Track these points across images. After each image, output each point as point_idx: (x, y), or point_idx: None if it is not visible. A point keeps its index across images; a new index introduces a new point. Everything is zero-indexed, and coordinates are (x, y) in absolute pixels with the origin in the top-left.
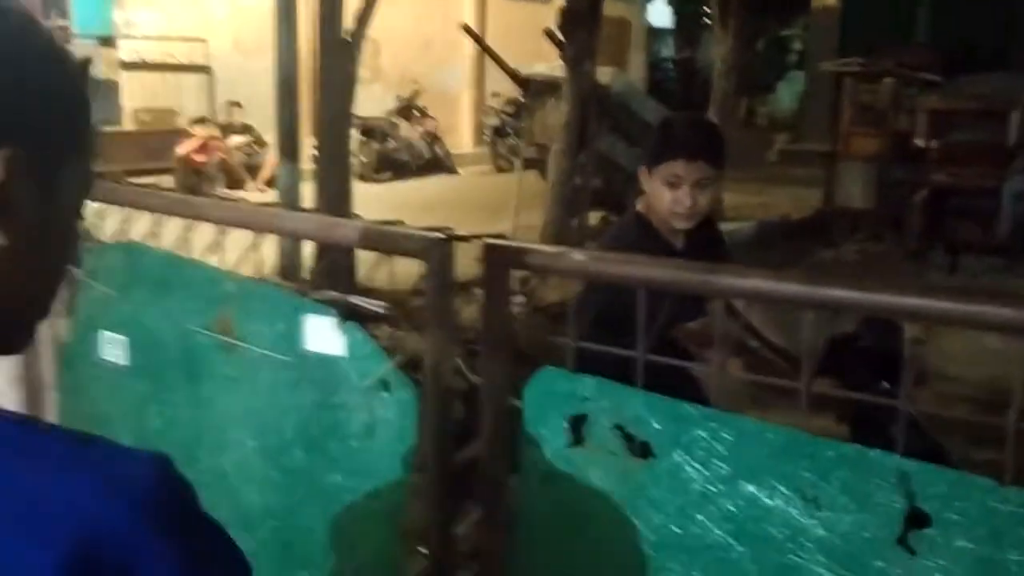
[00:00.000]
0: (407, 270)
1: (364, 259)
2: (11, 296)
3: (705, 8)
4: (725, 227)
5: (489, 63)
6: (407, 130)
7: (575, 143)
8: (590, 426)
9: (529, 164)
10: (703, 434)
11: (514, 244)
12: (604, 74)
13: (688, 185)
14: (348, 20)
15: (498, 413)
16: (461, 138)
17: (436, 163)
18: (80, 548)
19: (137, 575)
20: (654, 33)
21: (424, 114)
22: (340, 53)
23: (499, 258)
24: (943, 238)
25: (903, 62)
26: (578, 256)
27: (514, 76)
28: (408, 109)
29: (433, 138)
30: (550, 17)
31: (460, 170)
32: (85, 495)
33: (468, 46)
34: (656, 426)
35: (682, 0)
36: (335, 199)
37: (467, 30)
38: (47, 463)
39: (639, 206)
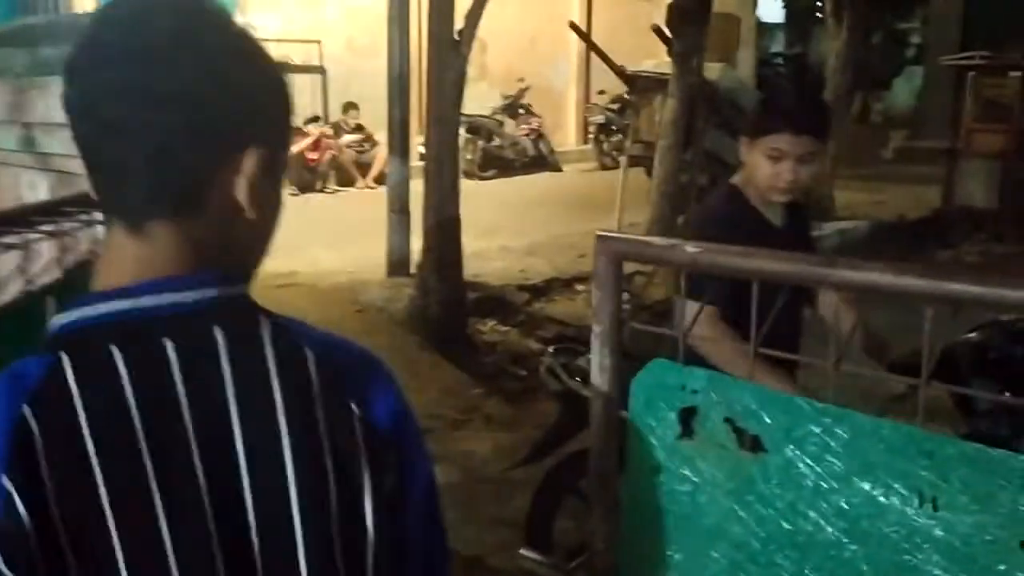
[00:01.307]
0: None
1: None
2: (251, 253)
3: (818, 3)
4: (838, 225)
5: (595, 60)
6: (512, 128)
7: (681, 140)
8: (700, 419)
9: (634, 161)
10: (816, 430)
11: (626, 235)
12: (712, 70)
13: (791, 159)
14: (458, 19)
15: (608, 407)
16: (566, 136)
17: (541, 160)
18: None
19: None
20: (764, 28)
21: (529, 112)
22: (450, 52)
23: (612, 250)
24: None
25: None
26: (691, 248)
27: (620, 73)
28: (513, 107)
29: (538, 135)
30: (655, 14)
31: (564, 167)
32: None
33: (574, 44)
34: (768, 420)
35: None
36: (444, 196)
37: (574, 27)
38: None
39: (736, 179)
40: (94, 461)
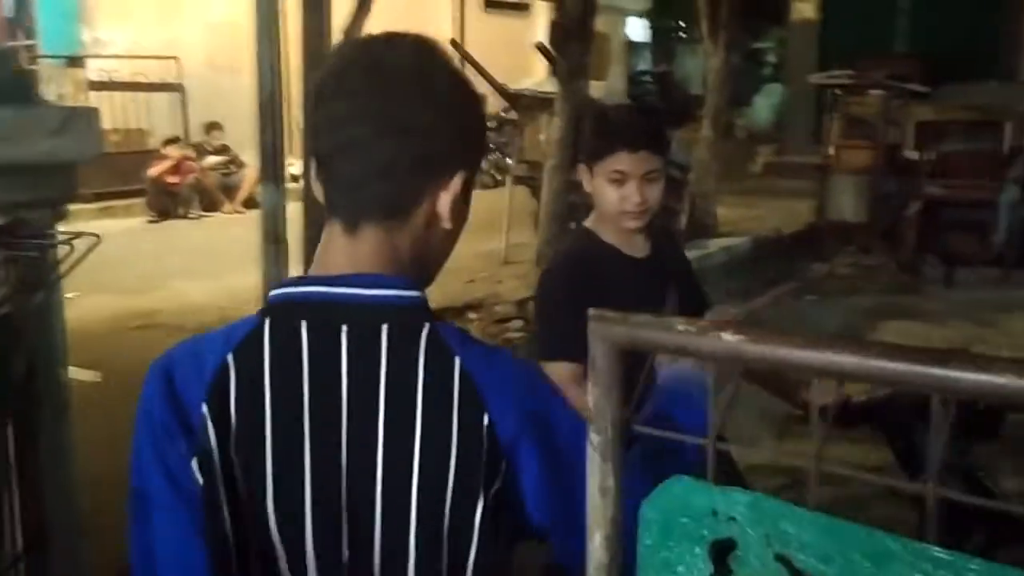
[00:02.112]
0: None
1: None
2: (437, 259)
3: (680, 23)
4: (722, 242)
5: (472, 77)
6: None
7: (569, 159)
8: (739, 557)
9: (519, 181)
10: (915, 574)
11: (632, 318)
12: (595, 88)
13: (635, 180)
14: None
15: (613, 541)
16: None
17: None
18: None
19: None
20: (632, 47)
21: None
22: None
23: (613, 337)
24: (937, 250)
25: (892, 74)
26: (730, 336)
27: (502, 92)
28: None
29: None
30: (528, 32)
31: None
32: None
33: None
34: (840, 560)
35: (658, 15)
36: (323, 221)
37: (454, 45)
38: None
39: (587, 222)
40: (267, 410)
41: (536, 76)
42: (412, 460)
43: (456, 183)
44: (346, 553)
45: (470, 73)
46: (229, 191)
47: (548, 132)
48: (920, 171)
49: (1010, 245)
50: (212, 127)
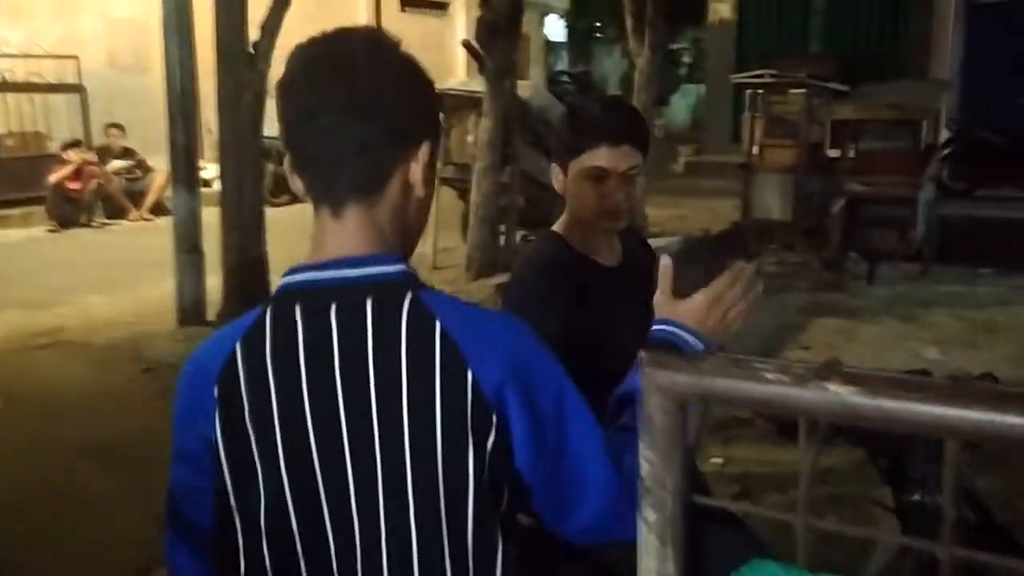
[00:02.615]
0: None
1: None
2: (415, 228)
3: (597, 23)
4: (655, 243)
5: None
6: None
7: (499, 161)
8: None
9: (446, 183)
10: None
11: (687, 362)
12: (523, 88)
13: (616, 177)
14: (252, 31)
15: None
16: None
17: None
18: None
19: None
20: (550, 47)
21: None
22: (244, 68)
23: (675, 388)
24: (860, 247)
25: (811, 73)
26: (837, 387)
27: None
28: None
29: None
30: (447, 31)
31: None
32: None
33: None
34: None
35: (575, 15)
36: (247, 231)
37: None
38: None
39: (556, 227)
40: (272, 390)
41: (457, 76)
42: (402, 423)
43: (424, 152)
44: (355, 517)
45: None
46: (135, 197)
47: (476, 133)
48: (842, 169)
49: (928, 241)
50: (113, 128)
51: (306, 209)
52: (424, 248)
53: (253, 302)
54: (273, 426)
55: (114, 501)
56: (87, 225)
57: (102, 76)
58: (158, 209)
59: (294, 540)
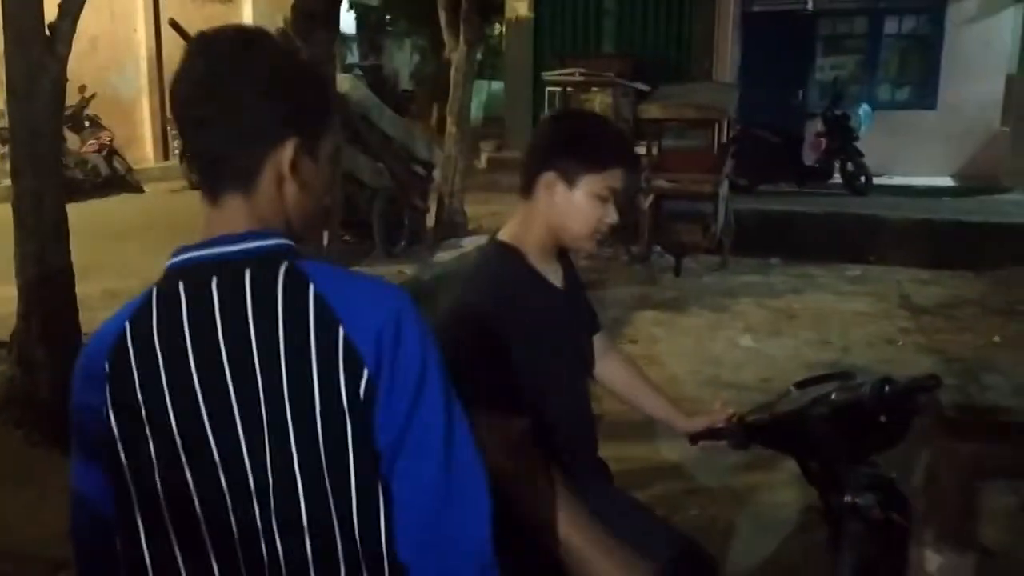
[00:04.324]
0: None
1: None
2: (300, 215)
3: (387, 16)
4: (477, 240)
5: (170, 66)
6: (78, 144)
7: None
8: None
9: None
10: None
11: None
12: (341, 82)
13: (614, 199)
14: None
15: None
16: (143, 151)
17: (117, 180)
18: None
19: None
20: (341, 39)
21: (97, 125)
22: (41, 52)
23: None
24: (665, 241)
25: (619, 72)
26: None
27: None
28: (77, 120)
29: (111, 152)
30: (232, 16)
31: (147, 187)
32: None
33: (142, 47)
34: None
35: (365, 7)
36: (46, 240)
37: (174, 25)
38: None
39: (504, 236)
40: (160, 364)
41: None
42: (282, 383)
43: (289, 148)
44: (249, 476)
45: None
46: None
47: None
48: (647, 166)
49: (726, 234)
50: None
51: (86, 207)
52: None
53: (58, 319)
54: (163, 394)
55: None
56: None
57: None
58: None
59: (193, 511)
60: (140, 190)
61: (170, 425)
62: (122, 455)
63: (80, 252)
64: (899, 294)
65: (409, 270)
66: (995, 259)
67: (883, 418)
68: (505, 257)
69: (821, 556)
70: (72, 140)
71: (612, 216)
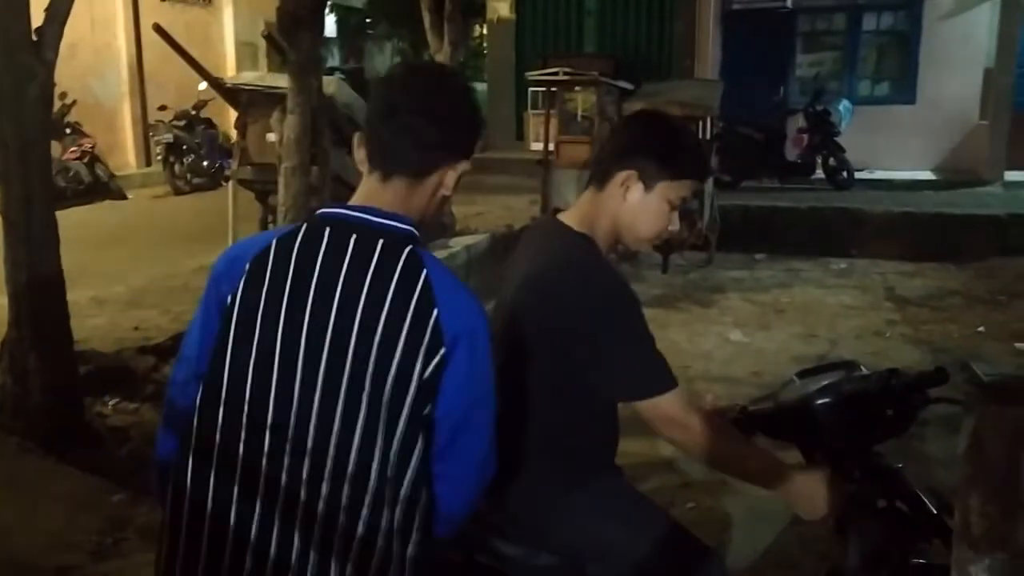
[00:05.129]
0: None
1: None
2: (431, 218)
3: (367, 20)
4: (463, 240)
5: (150, 72)
6: (59, 151)
7: (308, 161)
8: None
9: (243, 185)
10: None
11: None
12: (327, 84)
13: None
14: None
15: None
16: (125, 157)
17: (100, 187)
18: None
19: None
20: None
21: (78, 131)
22: (28, 57)
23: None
24: None
25: (602, 71)
26: None
27: (218, 85)
28: (58, 127)
29: (92, 159)
30: (213, 23)
31: (129, 194)
32: None
33: (123, 53)
34: None
35: (345, 10)
36: (38, 246)
37: (158, 30)
38: None
39: (573, 222)
40: (288, 281)
41: (230, 71)
42: (375, 334)
43: (462, 167)
44: (316, 406)
45: (180, 62)
46: None
47: (279, 131)
48: None
49: (712, 230)
50: None
51: (69, 215)
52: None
53: (49, 326)
54: (281, 304)
55: None
56: None
57: None
58: None
59: (262, 415)
60: (123, 196)
61: (276, 335)
62: (230, 345)
63: (66, 259)
64: (884, 286)
65: None
66: (977, 250)
67: (890, 412)
68: (587, 247)
69: (818, 547)
70: (53, 147)
71: (675, 224)
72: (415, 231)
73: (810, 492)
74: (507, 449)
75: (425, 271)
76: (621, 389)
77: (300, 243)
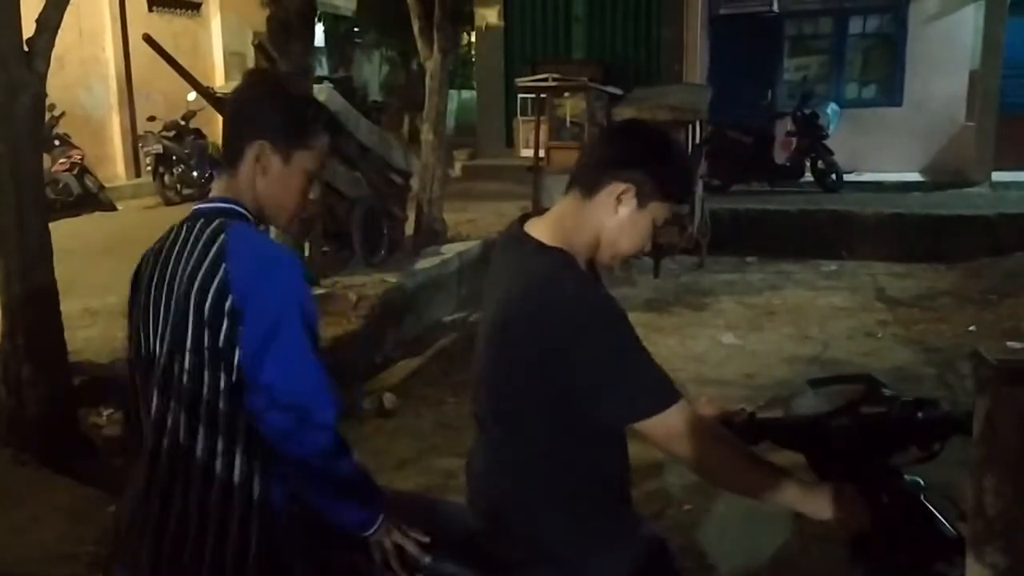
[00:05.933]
0: None
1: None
2: (269, 204)
3: (355, 29)
4: (455, 248)
5: (138, 83)
6: (48, 163)
7: None
8: None
9: None
10: None
11: None
12: (319, 93)
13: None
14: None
15: None
16: (114, 169)
17: (90, 199)
18: None
19: None
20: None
21: (67, 143)
22: (19, 68)
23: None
24: None
25: (591, 77)
26: None
27: (208, 95)
28: (47, 138)
29: (82, 170)
30: (201, 33)
31: (119, 205)
32: None
33: (110, 64)
34: None
35: (334, 19)
36: (31, 257)
37: (149, 41)
38: None
39: (545, 236)
40: (155, 268)
41: (218, 81)
42: (191, 292)
43: (255, 148)
44: (159, 373)
45: (169, 73)
46: None
47: None
48: None
49: (703, 234)
50: None
51: (60, 227)
52: None
53: (43, 337)
54: (149, 289)
55: None
56: None
57: None
58: None
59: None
60: (113, 208)
61: (143, 307)
62: (140, 323)
63: (57, 271)
64: (875, 287)
65: (391, 278)
66: (966, 250)
67: (913, 447)
68: (569, 264)
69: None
70: (44, 160)
71: (649, 242)
72: (240, 208)
73: (838, 508)
74: (511, 493)
75: (223, 235)
76: (628, 410)
77: (165, 237)
